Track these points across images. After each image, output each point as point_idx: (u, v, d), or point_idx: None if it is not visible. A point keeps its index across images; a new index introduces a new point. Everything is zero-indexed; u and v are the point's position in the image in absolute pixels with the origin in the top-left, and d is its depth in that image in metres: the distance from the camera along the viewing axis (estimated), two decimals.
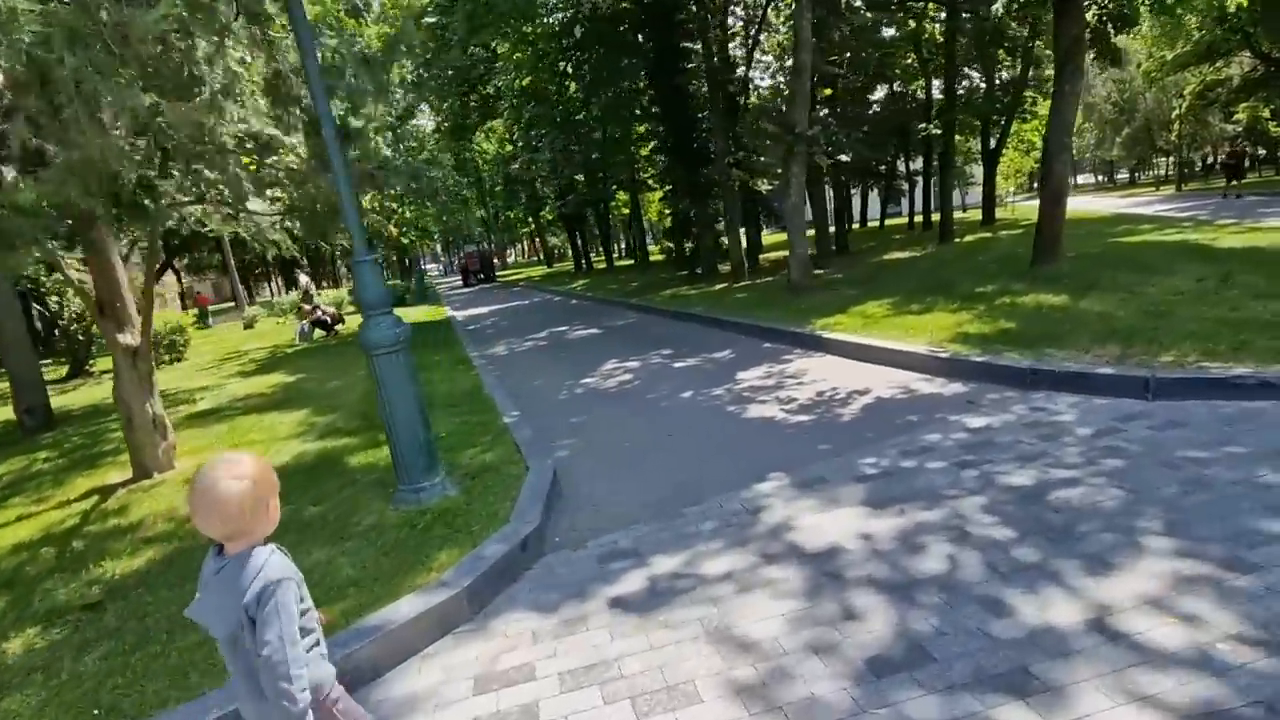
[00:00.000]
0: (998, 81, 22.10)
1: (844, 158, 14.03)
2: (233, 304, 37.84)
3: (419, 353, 10.76)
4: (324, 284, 38.01)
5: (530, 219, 36.57)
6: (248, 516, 1.48)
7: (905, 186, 32.19)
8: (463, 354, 9.87)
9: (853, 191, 39.32)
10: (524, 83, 17.61)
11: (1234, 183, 28.87)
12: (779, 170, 14.63)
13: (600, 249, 37.64)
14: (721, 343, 8.71)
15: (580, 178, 28.47)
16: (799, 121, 9.52)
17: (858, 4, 10.26)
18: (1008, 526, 2.96)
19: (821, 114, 13.54)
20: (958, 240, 18.21)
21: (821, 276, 13.51)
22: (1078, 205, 31.42)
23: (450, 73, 18.77)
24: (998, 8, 13.23)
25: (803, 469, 4.02)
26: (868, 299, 9.14)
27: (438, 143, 32.70)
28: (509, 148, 27.23)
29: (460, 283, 40.38)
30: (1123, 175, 55.94)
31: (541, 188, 34.31)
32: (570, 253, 38.76)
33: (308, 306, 16.28)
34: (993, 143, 23.88)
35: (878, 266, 14.00)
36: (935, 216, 22.37)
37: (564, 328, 12.79)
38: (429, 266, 71.19)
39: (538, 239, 49.41)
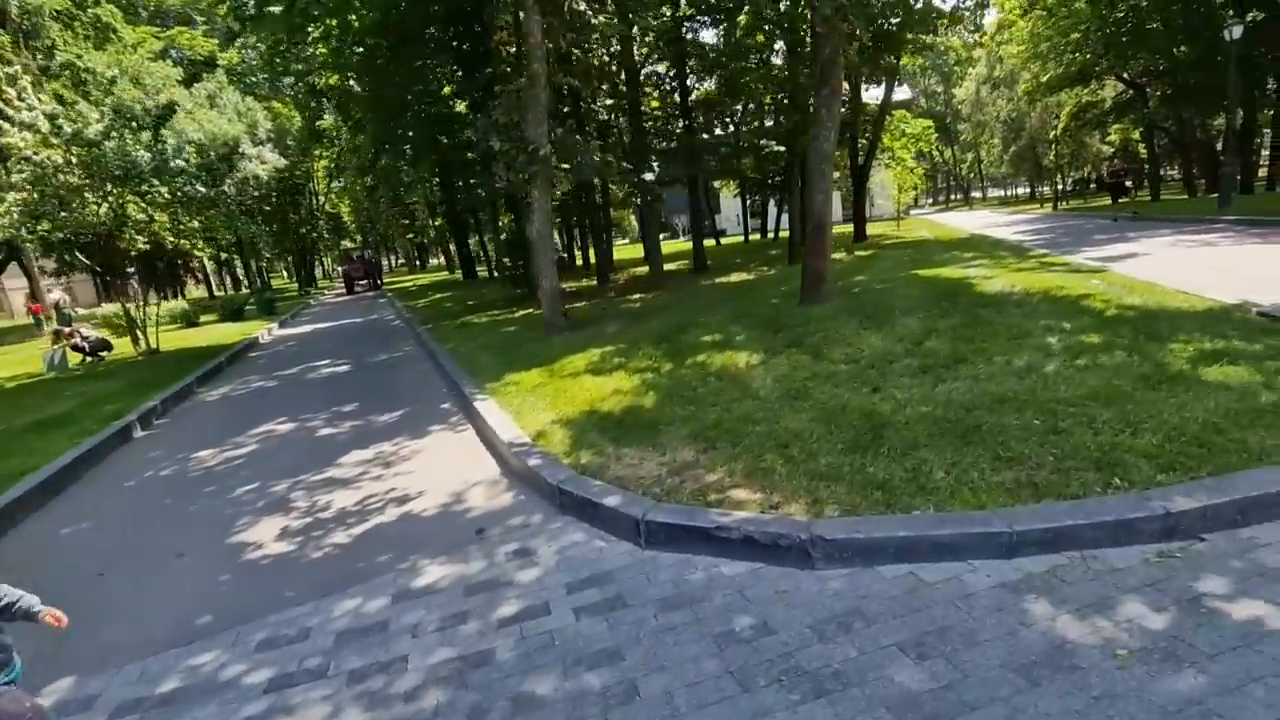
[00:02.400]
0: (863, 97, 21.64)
1: (653, 175, 12.99)
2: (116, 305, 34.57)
3: (105, 397, 9.15)
4: (164, 292, 35.23)
5: (407, 222, 34.63)
6: None
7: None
8: (131, 405, 8.27)
9: (750, 200, 39.31)
10: (331, 80, 16.02)
11: (1121, 200, 29.57)
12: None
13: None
14: (419, 397, 7.49)
15: (460, 182, 26.95)
16: (536, 139, 8.38)
17: (581, 8, 9.25)
18: None
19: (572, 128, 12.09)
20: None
21: (615, 306, 12.50)
22: (953, 220, 31.90)
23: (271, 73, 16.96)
24: (742, 18, 12.49)
25: (118, 674, 2.80)
26: (597, 344, 8.08)
27: (299, 145, 30.65)
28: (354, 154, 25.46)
29: (344, 290, 38.21)
30: (1024, 190, 57.90)
31: (424, 192, 32.54)
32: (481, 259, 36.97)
33: (65, 329, 14.26)
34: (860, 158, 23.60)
35: (688, 293, 13.08)
36: (847, 228, 21.85)
37: (328, 360, 11.34)
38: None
39: (438, 245, 47.49)
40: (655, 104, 15.97)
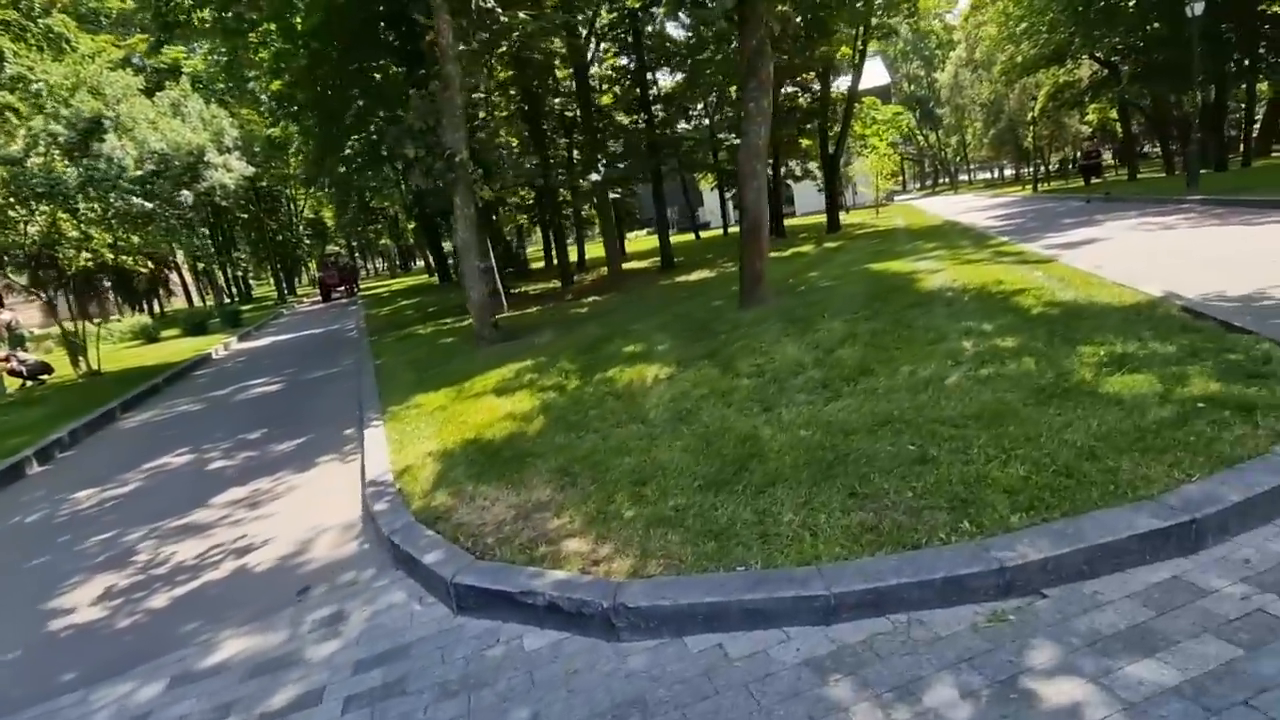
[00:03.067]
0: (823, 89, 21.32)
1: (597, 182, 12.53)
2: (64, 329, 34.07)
3: (20, 428, 8.71)
4: (138, 306, 34.80)
5: (379, 227, 34.25)
6: None
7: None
8: (41, 437, 7.93)
9: (729, 193, 38.88)
10: (275, 86, 15.60)
11: (1094, 181, 29.42)
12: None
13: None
14: (330, 420, 7.14)
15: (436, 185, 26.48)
16: (453, 144, 8.01)
17: (489, 5, 8.85)
18: None
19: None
20: (772, 255, 17.29)
21: (562, 312, 12.15)
22: (934, 206, 31.59)
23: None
24: (662, 9, 12.12)
25: None
26: (519, 358, 7.73)
27: (264, 152, 30.28)
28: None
29: (321, 298, 37.65)
30: (1011, 171, 57.49)
31: (400, 195, 32.04)
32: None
33: (2, 355, 13.85)
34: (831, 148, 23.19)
35: (641, 295, 12.75)
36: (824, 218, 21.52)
37: (264, 379, 10.98)
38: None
39: (419, 248, 47.00)
40: (607, 100, 15.55)
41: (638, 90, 17.49)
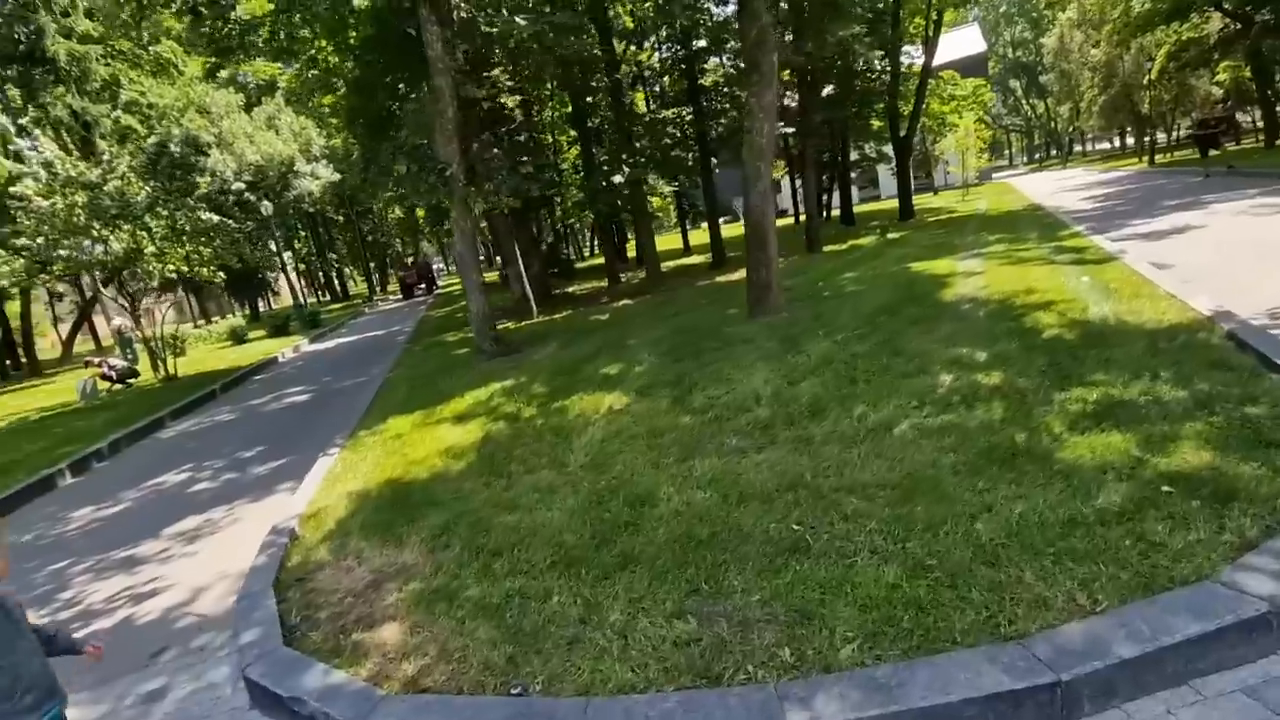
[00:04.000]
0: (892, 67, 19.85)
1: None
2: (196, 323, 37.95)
3: (81, 435, 9.44)
4: (244, 304, 37.46)
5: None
6: None
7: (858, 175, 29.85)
8: (90, 446, 8.57)
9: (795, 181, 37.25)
10: (326, 101, 16.27)
11: (1212, 152, 26.24)
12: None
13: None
14: (321, 439, 7.20)
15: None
16: (446, 158, 7.88)
17: (469, 15, 8.53)
18: None
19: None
20: (826, 249, 16.35)
21: (583, 318, 11.88)
22: (1031, 184, 28.89)
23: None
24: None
25: None
26: (502, 377, 7.51)
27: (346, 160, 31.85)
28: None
29: (402, 297, 39.40)
30: (1132, 140, 51.73)
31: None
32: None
33: (95, 359, 15.27)
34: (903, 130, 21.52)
35: (668, 299, 12.29)
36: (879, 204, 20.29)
37: (301, 387, 11.43)
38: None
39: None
40: (642, 96, 15.04)
41: (686, 82, 16.87)
